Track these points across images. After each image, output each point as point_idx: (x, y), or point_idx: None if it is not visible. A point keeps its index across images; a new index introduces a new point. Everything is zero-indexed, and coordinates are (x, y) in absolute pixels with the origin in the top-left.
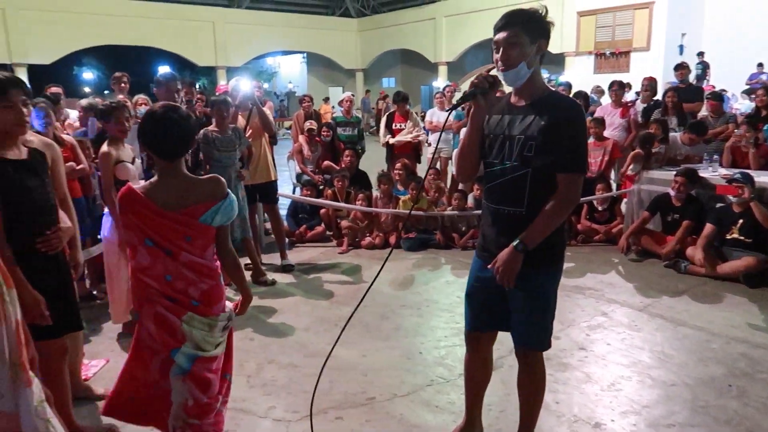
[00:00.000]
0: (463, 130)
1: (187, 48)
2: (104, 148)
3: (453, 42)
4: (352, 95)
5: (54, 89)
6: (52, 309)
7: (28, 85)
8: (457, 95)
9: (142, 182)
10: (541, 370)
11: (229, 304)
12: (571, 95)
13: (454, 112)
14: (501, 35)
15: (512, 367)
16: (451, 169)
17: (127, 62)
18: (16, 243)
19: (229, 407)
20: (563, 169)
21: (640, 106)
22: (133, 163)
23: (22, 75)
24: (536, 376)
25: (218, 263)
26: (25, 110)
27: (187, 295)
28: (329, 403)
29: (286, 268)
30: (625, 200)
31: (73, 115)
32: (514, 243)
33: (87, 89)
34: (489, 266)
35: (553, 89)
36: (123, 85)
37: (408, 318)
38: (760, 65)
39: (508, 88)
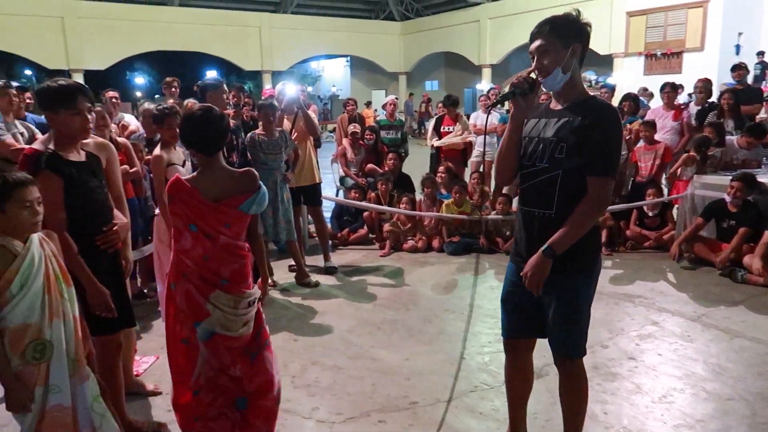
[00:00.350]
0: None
1: (234, 53)
2: (156, 151)
3: (497, 44)
4: (396, 98)
5: (111, 93)
6: None
7: (90, 93)
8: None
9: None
10: (582, 377)
11: (255, 287)
12: (614, 98)
13: (498, 115)
14: (533, 44)
15: (558, 376)
16: None
17: (177, 66)
18: (77, 241)
19: None
20: (593, 172)
21: (693, 108)
22: (183, 165)
23: (78, 80)
24: (577, 384)
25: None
26: (89, 116)
27: (218, 275)
28: (372, 406)
29: (329, 270)
30: (677, 206)
31: (128, 118)
32: (543, 248)
33: (138, 93)
34: (521, 273)
35: (593, 94)
36: (173, 89)
37: (451, 323)
38: (761, 53)
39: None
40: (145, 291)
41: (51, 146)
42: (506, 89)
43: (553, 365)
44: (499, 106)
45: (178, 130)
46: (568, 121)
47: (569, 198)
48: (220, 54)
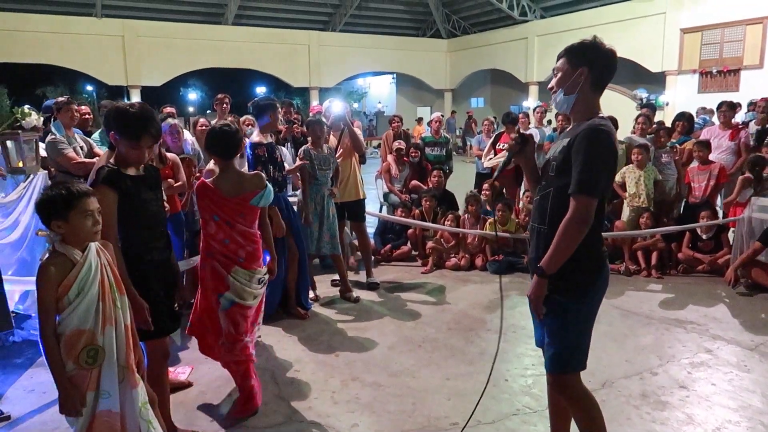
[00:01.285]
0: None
1: (283, 70)
2: (210, 165)
3: (544, 61)
4: (442, 115)
5: (168, 109)
6: (159, 312)
7: (158, 127)
8: (549, 115)
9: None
10: (575, 394)
11: (265, 268)
12: (661, 116)
13: (543, 132)
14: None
15: (604, 402)
16: None
17: (228, 83)
18: (133, 250)
19: (314, 421)
20: (572, 191)
21: (753, 128)
22: None
23: (136, 96)
24: (572, 402)
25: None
26: (147, 152)
27: (236, 255)
28: (411, 425)
29: (371, 286)
30: (732, 229)
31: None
32: (536, 269)
33: (191, 109)
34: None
35: (602, 116)
36: (225, 106)
37: (493, 343)
38: None
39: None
40: (192, 302)
41: (112, 161)
42: (501, 159)
43: (599, 391)
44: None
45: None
46: (562, 140)
47: (559, 214)
48: (269, 71)
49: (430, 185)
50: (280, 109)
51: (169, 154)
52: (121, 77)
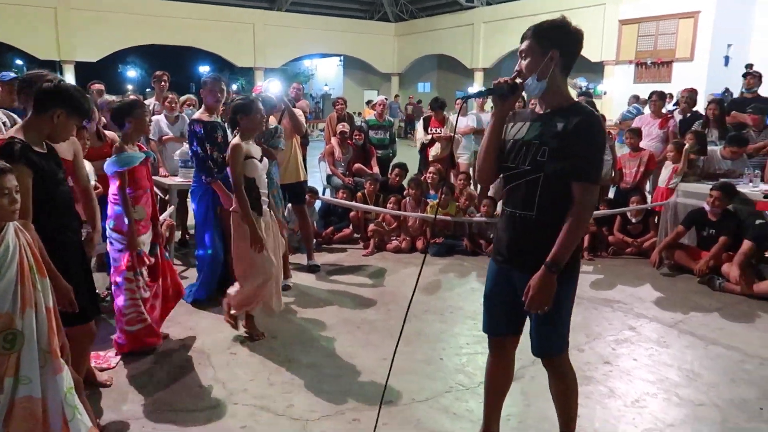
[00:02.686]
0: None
1: (227, 49)
2: (236, 140)
3: (490, 48)
4: (386, 99)
5: (96, 86)
6: (82, 296)
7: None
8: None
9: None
10: (569, 372)
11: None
12: (599, 105)
13: (474, 117)
14: (520, 47)
15: (534, 378)
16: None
17: (169, 61)
18: (48, 231)
19: (249, 404)
20: (578, 178)
21: (679, 117)
22: (261, 161)
23: (70, 72)
24: (564, 379)
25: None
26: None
27: None
28: (347, 404)
29: (312, 269)
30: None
31: None
32: (547, 264)
33: (130, 87)
34: (524, 293)
35: (577, 101)
36: (163, 83)
37: (431, 324)
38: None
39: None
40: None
41: (20, 136)
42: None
43: (529, 368)
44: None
45: (148, 120)
46: (551, 125)
47: (550, 201)
48: (213, 50)
49: (390, 183)
50: (224, 88)
51: (107, 132)
52: (53, 51)
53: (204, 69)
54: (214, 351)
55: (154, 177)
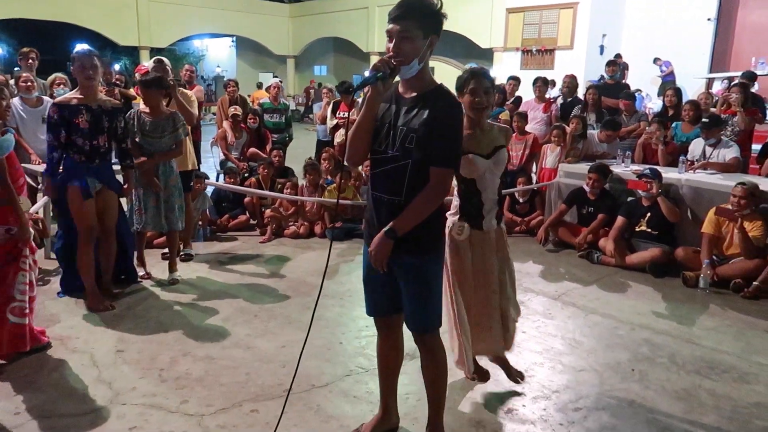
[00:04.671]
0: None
1: (108, 25)
2: None
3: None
4: (281, 81)
5: None
6: None
7: None
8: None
9: None
10: (441, 349)
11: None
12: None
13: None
14: (395, 27)
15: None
16: None
17: (43, 39)
18: None
19: (138, 403)
20: (435, 163)
21: (560, 101)
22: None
23: None
24: (435, 356)
25: None
26: None
27: None
28: (245, 396)
29: (186, 258)
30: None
31: None
32: (385, 229)
33: None
34: (369, 251)
35: (440, 83)
36: (30, 61)
37: (330, 308)
38: (657, 59)
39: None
40: None
41: None
42: (367, 73)
43: None
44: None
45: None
46: (419, 111)
47: (418, 186)
48: (91, 26)
49: (274, 160)
50: (97, 63)
51: None
52: None
53: (82, 47)
54: (98, 350)
55: (25, 165)
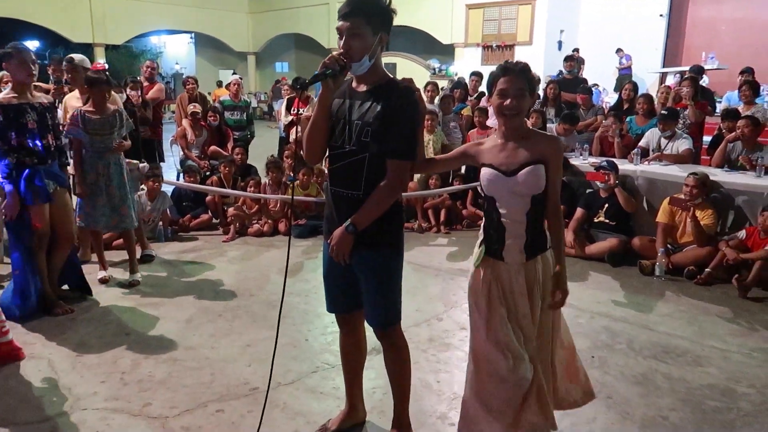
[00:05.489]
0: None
1: (59, 21)
2: None
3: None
4: (241, 78)
5: None
6: None
7: None
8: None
9: None
10: (402, 343)
11: None
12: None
13: None
14: (344, 24)
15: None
16: None
17: None
18: None
19: (99, 407)
20: (392, 155)
21: None
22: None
23: None
24: (398, 350)
25: None
26: None
27: None
28: (210, 396)
29: (144, 259)
30: None
31: None
32: (346, 224)
33: None
34: (330, 245)
35: (392, 77)
36: None
37: (296, 306)
38: (619, 50)
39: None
40: None
41: None
42: (317, 71)
43: None
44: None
45: None
46: (372, 105)
47: (377, 180)
48: (42, 23)
49: (236, 159)
50: (33, 61)
51: None
52: None
53: (33, 44)
54: (56, 355)
55: None
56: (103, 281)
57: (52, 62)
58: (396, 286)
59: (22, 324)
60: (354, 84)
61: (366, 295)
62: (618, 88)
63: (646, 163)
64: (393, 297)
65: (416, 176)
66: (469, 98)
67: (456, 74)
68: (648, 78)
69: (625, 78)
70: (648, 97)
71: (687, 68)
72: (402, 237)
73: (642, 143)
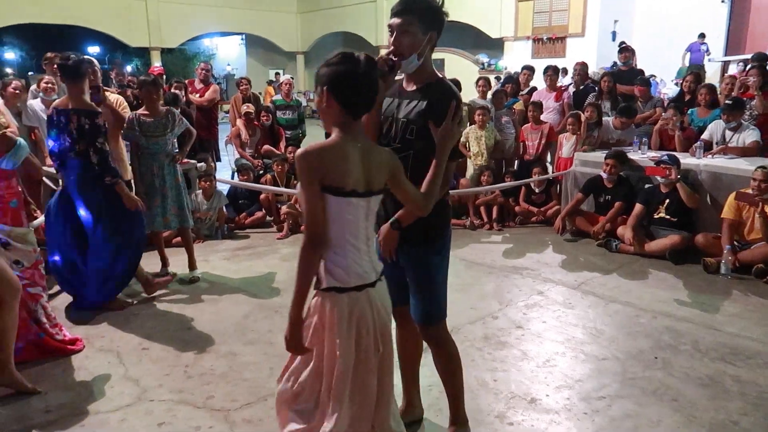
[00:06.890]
0: None
1: (118, 27)
2: None
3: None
4: (292, 78)
5: None
6: None
7: None
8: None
9: None
10: (448, 341)
11: None
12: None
13: None
14: (396, 21)
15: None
16: None
17: (53, 41)
18: None
19: (165, 399)
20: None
21: (572, 89)
22: None
23: None
24: (444, 348)
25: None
26: None
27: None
28: (268, 391)
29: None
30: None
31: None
32: (391, 220)
33: (9, 70)
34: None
35: (441, 76)
36: (55, 66)
37: None
38: (702, 35)
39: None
40: None
41: None
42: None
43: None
44: None
45: None
46: (418, 103)
47: (421, 177)
48: (101, 28)
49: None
50: (96, 71)
51: None
52: None
53: (94, 50)
54: (123, 348)
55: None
56: (167, 281)
57: (114, 66)
58: (439, 283)
59: (89, 318)
60: (404, 83)
61: (411, 292)
62: (680, 76)
63: (710, 156)
64: (436, 293)
65: (468, 173)
66: (520, 93)
67: (505, 68)
68: (710, 67)
69: (692, 67)
70: (710, 88)
71: (750, 56)
72: (448, 234)
73: (705, 136)
